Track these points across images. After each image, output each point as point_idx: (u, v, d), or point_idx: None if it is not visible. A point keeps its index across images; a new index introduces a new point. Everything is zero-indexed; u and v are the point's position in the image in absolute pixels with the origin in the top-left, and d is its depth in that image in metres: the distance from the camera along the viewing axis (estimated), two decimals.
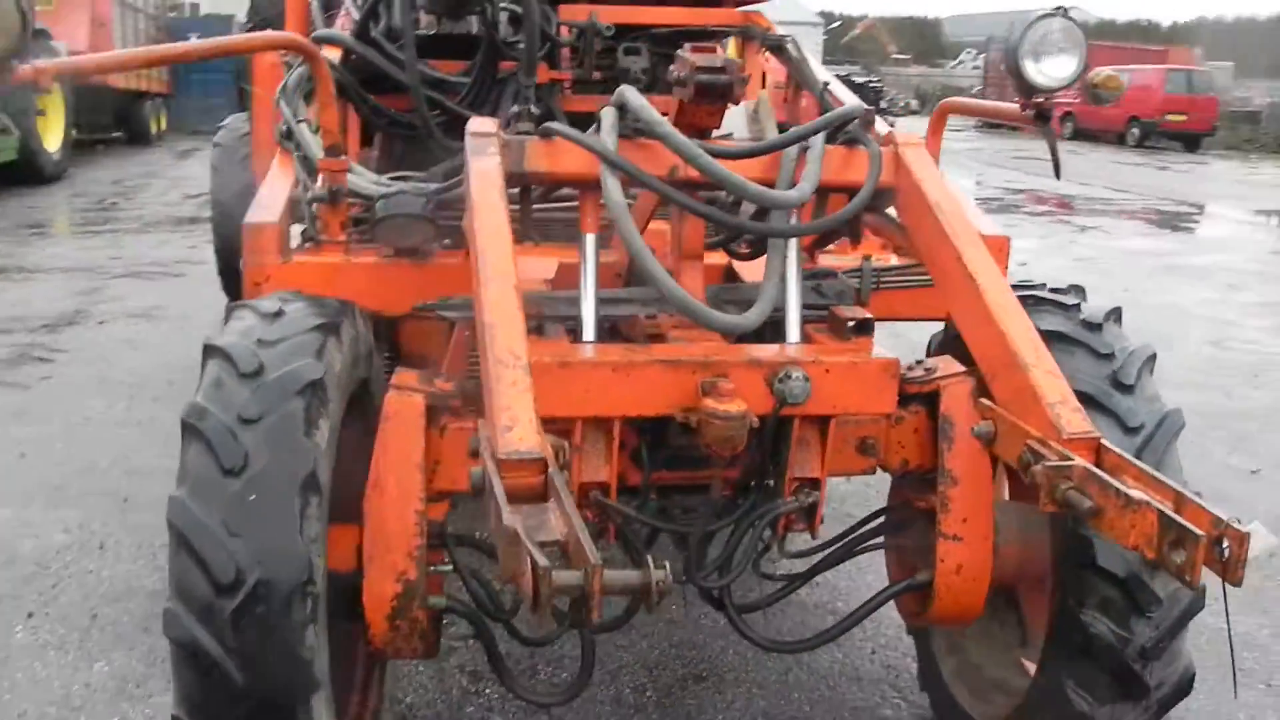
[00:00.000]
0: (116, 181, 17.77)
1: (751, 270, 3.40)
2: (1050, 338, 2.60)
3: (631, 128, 2.65)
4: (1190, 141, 31.52)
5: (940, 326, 3.25)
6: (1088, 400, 2.52)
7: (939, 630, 3.37)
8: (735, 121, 3.65)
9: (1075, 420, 2.22)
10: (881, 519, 3.19)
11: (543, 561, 1.54)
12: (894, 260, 3.86)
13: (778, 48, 5.56)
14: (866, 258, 3.63)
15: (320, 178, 3.42)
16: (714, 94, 2.63)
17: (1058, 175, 3.35)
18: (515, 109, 2.79)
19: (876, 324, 2.84)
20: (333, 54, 4.26)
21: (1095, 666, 2.58)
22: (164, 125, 26.64)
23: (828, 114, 2.82)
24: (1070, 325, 2.78)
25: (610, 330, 2.82)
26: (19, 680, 3.57)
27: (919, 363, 2.97)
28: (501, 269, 2.29)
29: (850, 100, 5.10)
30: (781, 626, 4.01)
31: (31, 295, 9.16)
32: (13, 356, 7.32)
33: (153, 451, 5.56)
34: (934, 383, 2.85)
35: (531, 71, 4.62)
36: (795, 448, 2.74)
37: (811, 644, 3.10)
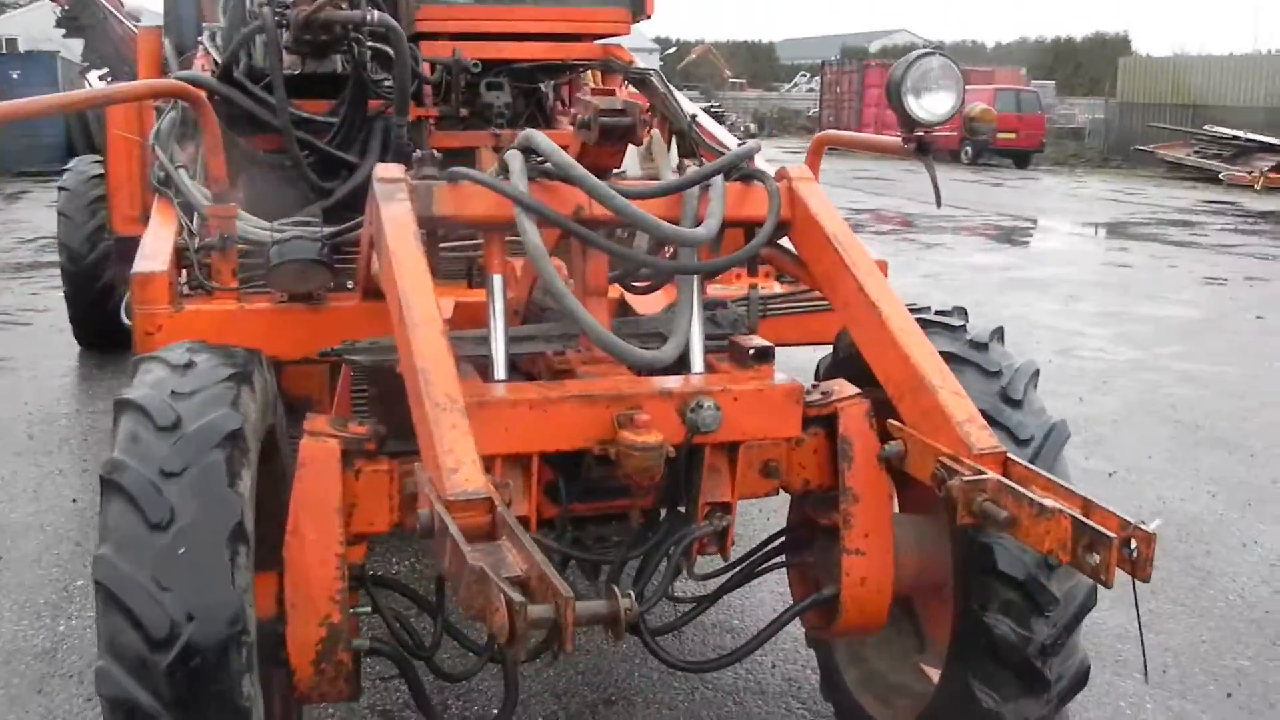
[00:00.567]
0: None
1: (641, 302, 3.50)
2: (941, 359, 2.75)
3: (538, 170, 2.71)
4: (1020, 158, 32.86)
5: (827, 350, 3.40)
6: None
7: (840, 641, 3.50)
8: (627, 160, 3.74)
9: (983, 437, 2.36)
10: (783, 539, 3.31)
11: (517, 598, 1.59)
12: (777, 288, 4.01)
13: (641, 81, 5.69)
14: (753, 286, 3.76)
15: (211, 224, 3.39)
16: (616, 135, 2.72)
17: (938, 204, 3.53)
18: (419, 153, 2.82)
19: None
20: None
21: (999, 665, 2.73)
22: None
23: (728, 154, 2.92)
24: (958, 345, 2.95)
25: (512, 367, 2.88)
26: None
27: (815, 386, 3.10)
28: (427, 314, 2.34)
29: (719, 132, 5.28)
30: (684, 647, 4.10)
31: None
32: None
33: (23, 509, 5.37)
34: (832, 405, 2.98)
35: (404, 110, 4.66)
36: (707, 474, 2.83)
37: (726, 662, 3.19)
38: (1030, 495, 2.13)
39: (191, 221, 3.63)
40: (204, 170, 4.13)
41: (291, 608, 2.60)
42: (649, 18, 5.52)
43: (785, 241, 3.10)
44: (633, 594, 1.74)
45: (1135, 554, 1.95)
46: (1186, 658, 4.16)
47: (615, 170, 3.01)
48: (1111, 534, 1.95)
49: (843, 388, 3.04)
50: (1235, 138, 28.80)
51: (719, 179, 2.83)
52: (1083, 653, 2.82)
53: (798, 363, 4.01)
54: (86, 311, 8.08)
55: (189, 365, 2.60)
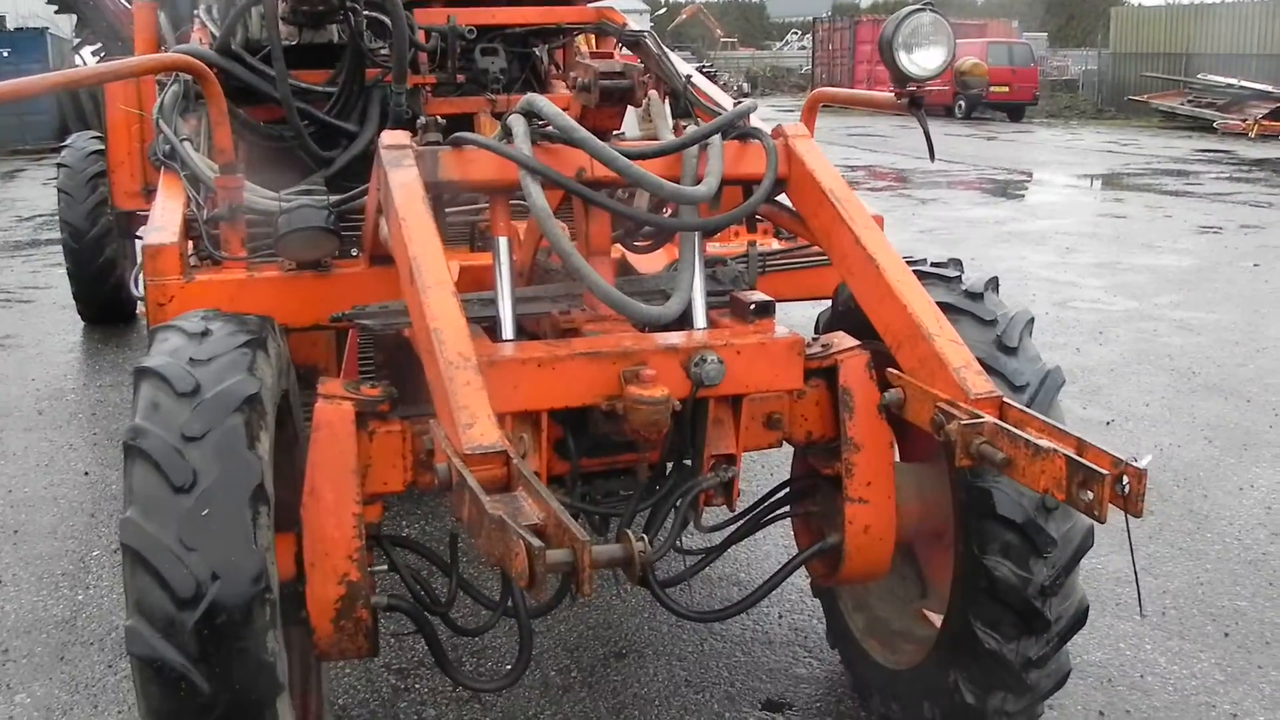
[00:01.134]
0: None
1: (642, 262, 3.56)
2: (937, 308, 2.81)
3: (540, 133, 2.76)
4: (1014, 111, 32.81)
5: (825, 305, 3.46)
6: None
7: (845, 590, 3.58)
8: (626, 122, 3.79)
9: (979, 382, 2.43)
10: (787, 490, 3.38)
11: (535, 543, 1.66)
12: (775, 245, 4.07)
13: (635, 43, 5.73)
14: (751, 243, 3.82)
15: (219, 195, 3.45)
16: (615, 97, 2.77)
17: (931, 157, 3.58)
18: (423, 120, 2.87)
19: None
20: None
21: (1000, 606, 2.81)
22: None
23: (725, 114, 2.97)
24: (954, 296, 3.01)
25: (518, 329, 2.94)
26: None
27: (815, 339, 3.16)
28: (439, 276, 2.40)
29: (713, 93, 5.32)
30: (692, 600, 4.18)
31: None
32: None
33: (36, 482, 5.45)
34: (832, 357, 3.04)
35: (402, 78, 4.70)
36: (711, 427, 2.90)
37: (733, 611, 3.26)
38: (1025, 436, 2.20)
39: (198, 193, 3.69)
40: (209, 142, 4.19)
41: (310, 567, 2.67)
42: None
43: (783, 198, 3.15)
44: (646, 537, 1.81)
45: (1127, 490, 2.02)
46: (1185, 599, 4.25)
47: (615, 132, 3.06)
48: (1104, 471, 2.02)
49: (842, 340, 3.10)
50: (1229, 86, 28.78)
51: (717, 138, 2.88)
52: (1081, 593, 2.90)
53: (795, 319, 4.08)
54: (89, 287, 8.14)
55: (205, 333, 2.65)
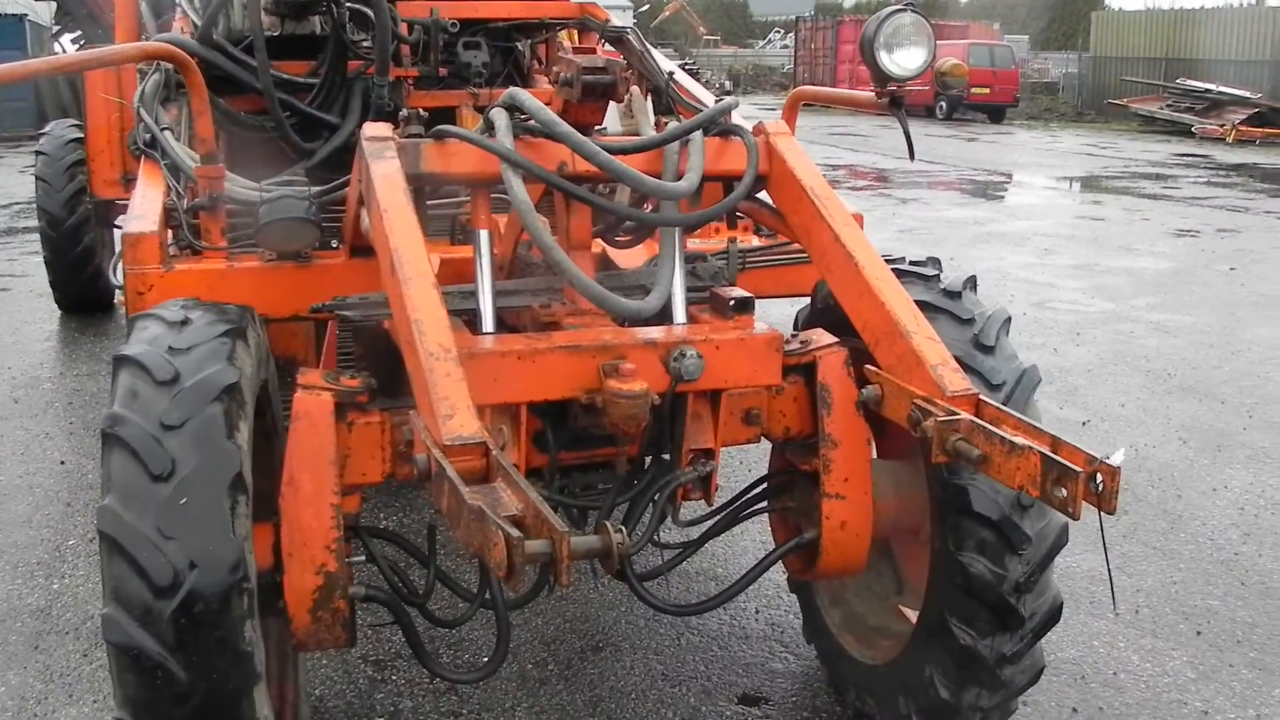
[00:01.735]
0: None
1: (623, 257, 3.56)
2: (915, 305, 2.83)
3: (522, 127, 2.77)
4: (995, 113, 32.94)
5: (803, 303, 3.48)
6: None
7: (822, 586, 3.60)
8: (607, 117, 3.80)
9: (956, 380, 2.45)
10: (765, 485, 3.40)
11: (514, 534, 1.67)
12: (755, 242, 4.08)
13: (618, 39, 5.74)
14: (731, 240, 3.84)
15: (200, 185, 3.44)
16: (598, 92, 2.78)
17: (911, 157, 3.60)
18: (405, 112, 2.87)
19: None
20: None
21: (975, 603, 2.83)
22: None
23: (707, 110, 2.98)
24: (932, 294, 3.03)
25: (497, 322, 2.94)
26: None
27: (794, 336, 3.18)
28: (419, 267, 2.40)
29: (695, 89, 5.33)
30: (669, 594, 4.19)
31: None
32: None
33: (11, 471, 5.42)
34: (811, 354, 3.06)
35: (385, 70, 4.69)
36: (690, 421, 2.91)
37: (711, 605, 3.27)
38: (1000, 434, 2.22)
39: (178, 183, 3.68)
40: (189, 132, 4.18)
41: (288, 557, 2.67)
42: None
43: (763, 195, 3.17)
44: (624, 529, 1.82)
45: (1101, 487, 2.04)
46: (1158, 598, 4.29)
47: (597, 127, 3.07)
48: (1078, 468, 2.04)
49: (821, 337, 3.12)
50: (1207, 91, 28.96)
51: (698, 134, 2.89)
52: (1056, 590, 2.92)
53: (774, 316, 4.09)
54: (67, 276, 8.10)
55: (185, 322, 2.65)
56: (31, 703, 3.53)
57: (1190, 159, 22.78)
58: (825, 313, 3.28)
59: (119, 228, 8.11)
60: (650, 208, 3.06)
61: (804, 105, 4.25)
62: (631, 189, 2.89)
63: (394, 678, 3.67)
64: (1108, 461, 2.04)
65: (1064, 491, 2.06)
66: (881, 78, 3.11)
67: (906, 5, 3.06)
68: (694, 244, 3.82)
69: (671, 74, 5.07)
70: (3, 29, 24.49)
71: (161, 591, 2.30)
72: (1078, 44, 41.05)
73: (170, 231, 3.51)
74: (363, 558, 2.92)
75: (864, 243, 2.77)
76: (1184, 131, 28.06)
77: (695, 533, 3.27)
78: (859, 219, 3.72)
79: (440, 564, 3.00)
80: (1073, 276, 10.51)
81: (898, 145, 23.74)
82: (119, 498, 2.35)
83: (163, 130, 3.92)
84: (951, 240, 12.28)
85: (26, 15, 24.19)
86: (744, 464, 5.28)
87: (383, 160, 2.64)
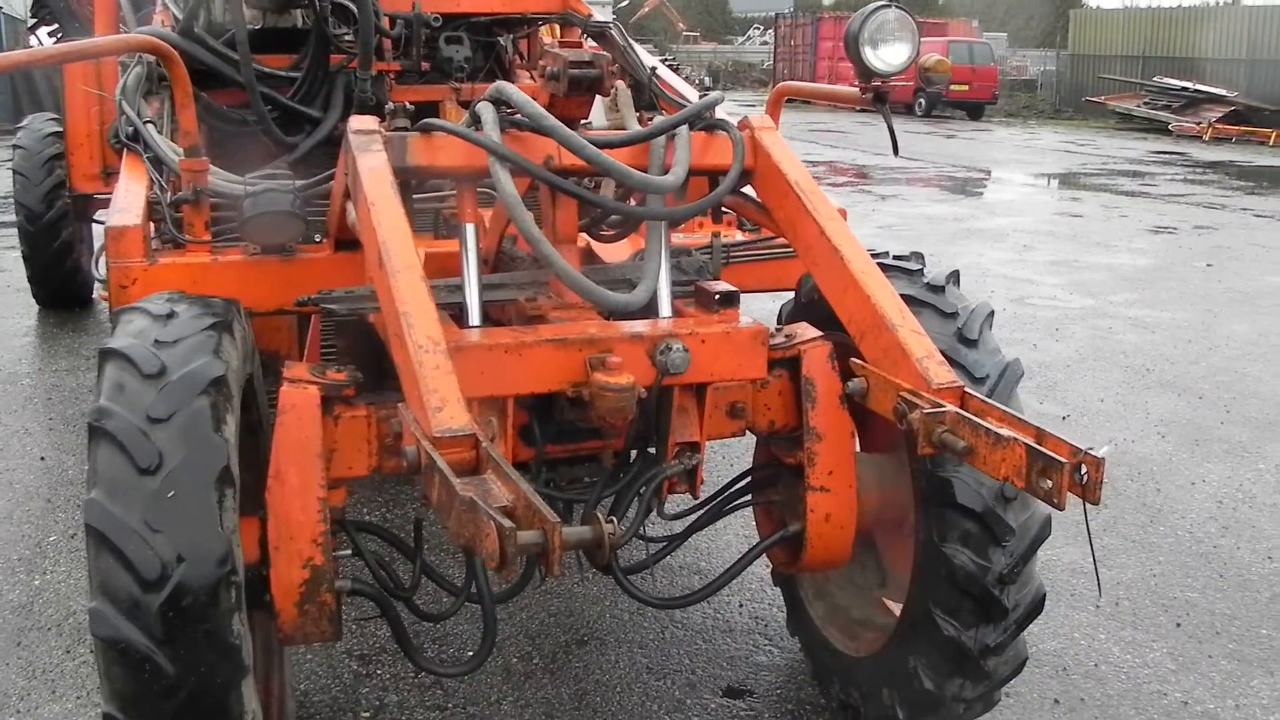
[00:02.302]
0: None
1: (607, 251, 3.57)
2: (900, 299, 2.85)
3: (509, 121, 2.77)
4: (974, 110, 33.07)
5: (786, 297, 3.49)
6: None
7: (806, 579, 3.62)
8: (593, 110, 3.80)
9: (941, 372, 2.47)
10: (749, 479, 3.41)
11: (506, 524, 1.68)
12: (739, 236, 4.10)
13: (600, 34, 5.74)
14: (716, 234, 3.85)
15: (184, 178, 3.43)
16: (584, 86, 2.79)
17: (895, 152, 3.62)
18: (391, 106, 2.87)
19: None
20: None
21: (959, 594, 2.85)
22: None
23: (693, 105, 2.98)
24: (916, 288, 3.04)
25: (484, 315, 2.95)
26: None
27: (778, 329, 3.19)
28: (407, 260, 2.40)
29: (678, 85, 5.34)
30: (654, 587, 4.20)
31: None
32: None
33: None
34: (796, 348, 3.08)
35: (368, 64, 4.69)
36: (676, 414, 2.93)
37: (696, 598, 3.28)
38: (986, 425, 2.24)
39: (161, 176, 3.67)
40: (174, 125, 4.17)
41: (275, 551, 2.67)
42: None
43: (748, 189, 3.18)
44: (615, 520, 1.83)
45: (1085, 478, 2.06)
46: (1138, 590, 4.33)
47: (582, 121, 3.07)
48: (1063, 459, 2.06)
49: (805, 331, 3.13)
50: (1184, 89, 29.15)
51: (684, 129, 2.90)
52: (1039, 582, 2.94)
53: (757, 311, 4.10)
54: (45, 270, 8.04)
55: (171, 315, 2.64)
56: (14, 699, 3.52)
57: (1167, 156, 22.92)
58: (809, 307, 3.29)
59: (98, 222, 8.08)
60: (636, 202, 3.07)
61: (786, 101, 4.27)
62: (617, 183, 2.90)
63: (379, 672, 3.67)
64: (1093, 453, 2.06)
65: (1049, 482, 2.08)
66: (866, 73, 3.13)
67: (891, 1, 3.07)
68: (678, 238, 3.83)
69: (654, 69, 5.08)
70: None
71: (149, 585, 2.29)
72: (1056, 41, 41.24)
73: (153, 225, 3.50)
74: (348, 552, 2.93)
75: (849, 237, 2.79)
76: (1161, 129, 28.22)
77: (679, 526, 3.28)
78: (842, 214, 3.74)
79: (425, 558, 3.00)
80: (1052, 273, 10.57)
81: (877, 142, 23.85)
82: (106, 491, 2.34)
83: (145, 123, 3.91)
84: (931, 236, 12.33)
85: (1, 8, 24.02)
86: (725, 459, 5.30)
87: (369, 153, 2.64)
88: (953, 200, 15.97)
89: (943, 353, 2.77)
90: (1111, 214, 14.61)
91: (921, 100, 32.59)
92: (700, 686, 3.63)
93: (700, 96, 3.73)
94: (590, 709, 3.50)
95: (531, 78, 6.08)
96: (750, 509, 3.45)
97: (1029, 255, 11.44)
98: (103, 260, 3.94)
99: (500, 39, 5.71)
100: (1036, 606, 2.93)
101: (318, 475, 2.67)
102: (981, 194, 17.27)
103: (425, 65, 5.27)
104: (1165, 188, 17.58)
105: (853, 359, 2.71)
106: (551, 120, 2.69)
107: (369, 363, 2.98)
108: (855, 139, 24.72)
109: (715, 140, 2.99)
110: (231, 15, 4.51)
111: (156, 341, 2.55)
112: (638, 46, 5.37)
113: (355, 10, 4.66)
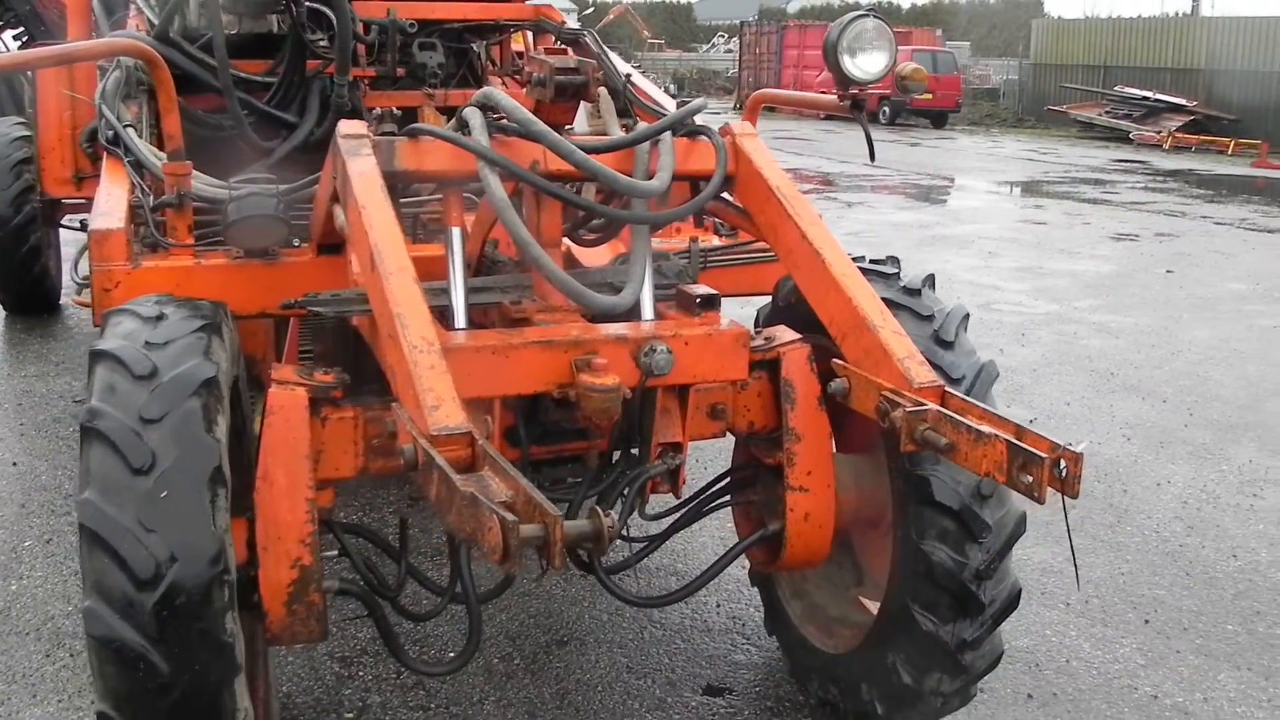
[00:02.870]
0: None
1: (586, 255, 3.62)
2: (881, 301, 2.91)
3: (495, 125, 2.81)
4: (937, 118, 33.36)
5: (759, 302, 3.55)
6: None
7: (783, 578, 3.67)
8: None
9: (922, 372, 2.53)
10: (728, 480, 3.46)
11: (510, 518, 1.72)
12: (715, 241, 4.15)
13: (574, 41, 5.78)
14: (694, 239, 3.90)
15: (167, 181, 3.45)
16: (570, 93, 2.83)
17: (872, 158, 3.68)
18: (378, 111, 2.91)
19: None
20: None
21: (937, 590, 2.92)
22: None
23: (677, 111, 3.03)
24: (893, 292, 3.10)
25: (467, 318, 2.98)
26: None
27: (758, 332, 3.25)
28: (400, 262, 2.44)
29: (653, 92, 5.39)
30: (632, 588, 4.24)
31: None
32: None
33: None
34: (775, 350, 3.13)
35: (345, 70, 4.71)
36: (659, 415, 2.98)
37: (677, 597, 3.33)
38: (967, 423, 2.30)
39: (142, 179, 3.69)
40: (157, 128, 4.18)
41: (263, 551, 2.69)
42: None
43: (727, 194, 3.23)
44: (613, 513, 1.87)
45: (1064, 473, 2.13)
46: (1107, 588, 4.41)
47: (566, 127, 3.11)
48: (1043, 454, 2.12)
49: (784, 333, 3.19)
50: (1145, 99, 29.52)
51: (668, 134, 2.95)
52: (1014, 578, 3.01)
53: (731, 316, 4.16)
54: (12, 275, 7.98)
55: (160, 317, 2.67)
56: None
57: (1128, 165, 23.21)
58: (786, 310, 3.35)
59: (66, 227, 8.04)
60: (620, 206, 3.11)
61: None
62: (599, 187, 2.94)
63: (360, 673, 3.70)
64: (1070, 448, 2.12)
65: (1029, 477, 2.14)
66: (844, 81, 3.19)
67: (868, 11, 3.14)
68: (656, 243, 3.87)
69: (629, 76, 5.13)
70: None
71: (143, 584, 2.32)
72: (1018, 51, 41.64)
73: (135, 228, 3.51)
74: (334, 552, 2.95)
75: (830, 240, 2.85)
76: (1122, 138, 28.58)
77: (657, 527, 3.32)
78: None
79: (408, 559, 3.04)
80: (1017, 279, 10.70)
81: (842, 149, 24.03)
82: (99, 491, 2.36)
83: (126, 127, 3.92)
84: (897, 243, 12.44)
85: None
86: (699, 461, 5.35)
87: (359, 157, 2.67)
88: (918, 207, 16.12)
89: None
90: (1074, 221, 14.80)
91: (885, 108, 32.84)
92: (680, 685, 3.67)
93: (680, 104, 3.79)
94: (573, 708, 3.53)
95: (503, 84, 6.13)
96: (727, 510, 3.50)
97: (994, 262, 11.57)
98: (82, 263, 3.95)
99: (473, 45, 5.75)
100: (1012, 602, 3.00)
101: (306, 476, 2.70)
102: (946, 201, 17.44)
103: (400, 71, 5.30)
104: (1127, 195, 17.82)
105: (834, 360, 2.77)
106: (541, 125, 2.74)
107: (347, 366, 3.01)
108: (820, 146, 24.90)
109: (697, 146, 3.04)
110: (209, 21, 4.53)
111: (147, 343, 2.57)
112: (612, 54, 5.42)
113: (331, 16, 4.70)
